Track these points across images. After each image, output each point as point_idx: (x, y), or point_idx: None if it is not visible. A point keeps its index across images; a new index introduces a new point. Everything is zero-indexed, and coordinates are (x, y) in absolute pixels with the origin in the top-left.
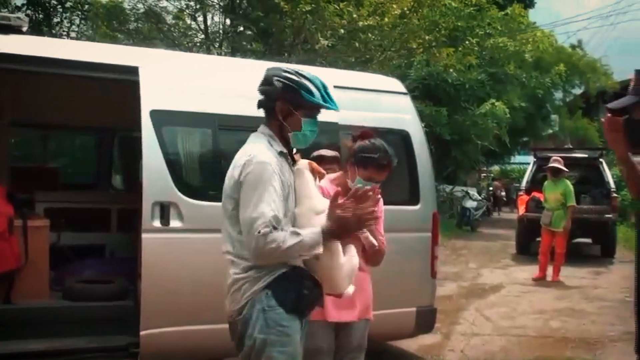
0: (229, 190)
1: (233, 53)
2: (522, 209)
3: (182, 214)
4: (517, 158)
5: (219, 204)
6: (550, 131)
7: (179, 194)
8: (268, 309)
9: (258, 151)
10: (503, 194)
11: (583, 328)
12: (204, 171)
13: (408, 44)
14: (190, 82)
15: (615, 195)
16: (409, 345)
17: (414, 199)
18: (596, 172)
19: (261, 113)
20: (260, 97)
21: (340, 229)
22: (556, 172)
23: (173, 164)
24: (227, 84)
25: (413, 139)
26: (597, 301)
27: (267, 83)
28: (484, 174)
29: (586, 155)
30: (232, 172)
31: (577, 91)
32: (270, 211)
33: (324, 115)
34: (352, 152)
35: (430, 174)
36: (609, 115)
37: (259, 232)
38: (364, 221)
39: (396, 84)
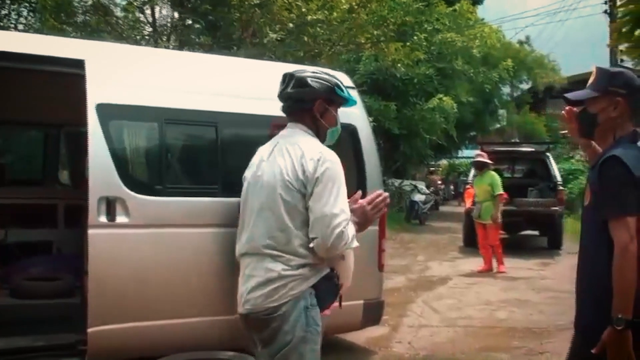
0: (293, 181)
1: (181, 46)
2: (468, 202)
3: (128, 210)
4: (465, 152)
5: (167, 199)
6: (498, 126)
7: (125, 189)
8: (310, 307)
9: (324, 148)
10: (442, 187)
11: (530, 318)
12: (150, 166)
13: (356, 39)
14: (137, 75)
15: (562, 188)
16: (357, 337)
17: (361, 192)
18: (543, 166)
19: (208, 107)
20: (291, 98)
21: (364, 226)
22: (480, 166)
23: (119, 158)
24: (175, 77)
25: (360, 133)
26: (544, 292)
27: (302, 85)
28: (432, 168)
29: (533, 150)
30: (300, 165)
31: (525, 86)
32: (347, 209)
33: (272, 110)
34: None
35: (377, 168)
36: (567, 107)
37: (339, 229)
38: (376, 218)
39: (344, 78)
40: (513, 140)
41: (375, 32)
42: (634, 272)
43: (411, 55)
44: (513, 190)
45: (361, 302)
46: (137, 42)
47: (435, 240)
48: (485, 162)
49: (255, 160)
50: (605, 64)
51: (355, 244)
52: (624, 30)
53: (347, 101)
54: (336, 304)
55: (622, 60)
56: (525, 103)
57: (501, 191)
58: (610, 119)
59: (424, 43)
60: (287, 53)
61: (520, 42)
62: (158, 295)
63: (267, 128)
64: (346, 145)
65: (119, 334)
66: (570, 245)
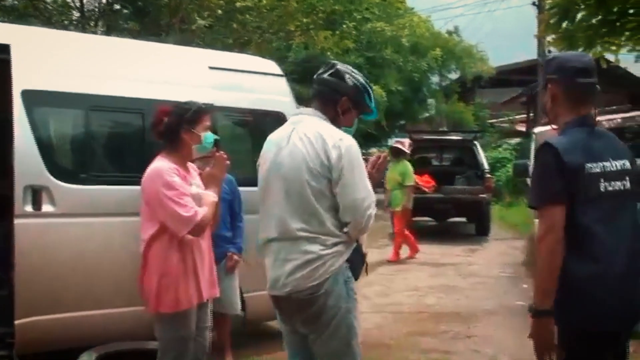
0: (318, 167)
1: (109, 32)
2: None
3: (54, 199)
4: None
5: (93, 187)
6: (427, 114)
7: (51, 177)
8: (348, 280)
9: (343, 134)
10: None
11: (457, 303)
12: (77, 154)
13: (286, 27)
14: (64, 61)
15: (489, 176)
16: None
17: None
18: (470, 154)
19: (135, 94)
20: (325, 84)
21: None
22: (396, 153)
23: (45, 146)
24: (102, 64)
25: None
26: (472, 277)
27: (338, 77)
28: (364, 157)
29: (461, 138)
30: (323, 151)
31: (453, 76)
32: (370, 187)
33: (199, 97)
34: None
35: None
36: None
37: (369, 212)
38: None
39: (272, 66)
40: (441, 129)
41: (304, 20)
42: (548, 263)
43: (340, 43)
44: (441, 178)
45: None
46: (65, 27)
47: None
48: (402, 150)
49: (269, 147)
50: (534, 55)
51: None
52: (551, 21)
53: (370, 112)
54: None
55: (549, 51)
56: (454, 92)
57: (411, 182)
58: (550, 107)
59: (354, 32)
60: (216, 40)
61: (449, 32)
62: (86, 285)
63: None
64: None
65: (47, 326)
66: (498, 231)
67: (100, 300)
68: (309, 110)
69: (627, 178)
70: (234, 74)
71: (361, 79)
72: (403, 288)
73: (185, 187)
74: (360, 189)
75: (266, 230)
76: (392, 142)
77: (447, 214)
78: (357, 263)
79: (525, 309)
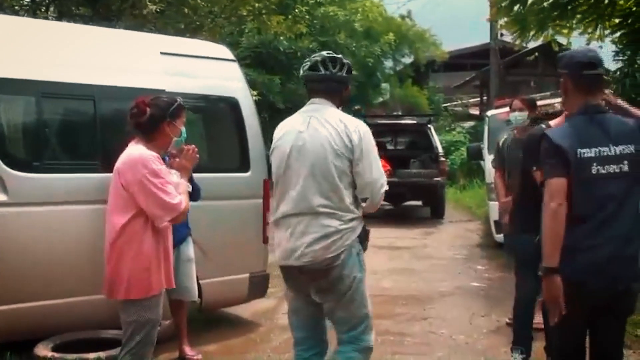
0: (342, 149)
1: (59, 17)
2: None
3: (6, 187)
4: None
5: (45, 175)
6: (382, 99)
7: (3, 166)
8: (360, 252)
9: (358, 121)
10: None
11: (413, 286)
12: (28, 142)
13: (238, 11)
14: (14, 47)
15: (443, 159)
16: (243, 311)
17: (244, 166)
18: (425, 138)
19: (85, 80)
20: (338, 81)
21: None
22: None
23: None
24: (53, 50)
25: (242, 106)
26: (427, 260)
27: (349, 71)
28: None
29: (415, 122)
30: (345, 134)
31: (407, 60)
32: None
33: (151, 83)
34: None
35: (260, 142)
36: None
37: (383, 189)
38: None
39: (224, 51)
40: (396, 113)
41: (257, 5)
42: (552, 226)
43: (293, 28)
44: (396, 162)
45: (247, 275)
46: (15, 13)
47: None
48: None
49: (287, 130)
50: (486, 38)
51: None
52: (503, 4)
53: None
54: None
55: (501, 35)
56: (408, 77)
57: None
58: (564, 98)
59: (306, 16)
60: (168, 25)
61: (402, 17)
62: (41, 275)
63: None
64: (228, 118)
65: (2, 317)
66: (452, 213)
67: (56, 290)
68: (320, 100)
69: (626, 162)
70: (186, 59)
71: (349, 62)
72: None
73: (168, 176)
74: (376, 169)
75: (284, 206)
76: None
77: (402, 198)
78: (364, 238)
79: (479, 290)
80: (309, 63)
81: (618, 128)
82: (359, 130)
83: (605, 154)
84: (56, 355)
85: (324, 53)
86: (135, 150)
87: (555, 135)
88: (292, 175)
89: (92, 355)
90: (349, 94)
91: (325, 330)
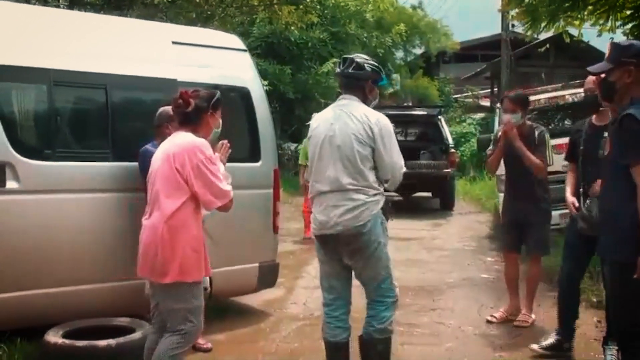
0: (365, 139)
1: (71, 6)
2: None
3: (18, 175)
4: None
5: (57, 163)
6: (392, 90)
7: (15, 153)
8: (383, 222)
9: (379, 114)
10: None
11: (422, 277)
12: (40, 130)
13: (250, 1)
14: (26, 35)
15: (453, 151)
16: (253, 300)
17: (254, 156)
18: (435, 129)
19: (97, 69)
20: (352, 77)
21: None
22: None
23: (8, 122)
24: (65, 38)
25: (253, 96)
26: (436, 251)
27: (359, 68)
28: None
29: (425, 113)
30: (368, 126)
31: (418, 51)
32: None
33: (162, 72)
34: None
35: (271, 132)
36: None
37: (403, 169)
38: None
39: (235, 41)
40: (406, 104)
41: None
42: None
43: (304, 18)
44: (406, 153)
45: (256, 264)
46: (26, 1)
47: None
48: None
49: (320, 123)
50: (498, 29)
51: None
52: None
53: (382, 81)
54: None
55: (513, 25)
56: (418, 67)
57: None
58: (626, 85)
59: (318, 6)
60: (179, 14)
61: (414, 7)
62: (51, 262)
63: (157, 90)
64: (239, 107)
65: (11, 303)
66: (462, 205)
67: (66, 277)
68: (347, 96)
69: None
70: (198, 49)
71: (374, 63)
72: None
73: (219, 164)
74: (396, 153)
75: (320, 185)
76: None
77: (412, 189)
78: (385, 209)
79: (488, 282)
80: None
81: None
82: (379, 122)
83: None
84: (66, 341)
85: (350, 55)
86: (189, 137)
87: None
88: (325, 160)
89: (102, 342)
90: (373, 92)
91: (351, 293)
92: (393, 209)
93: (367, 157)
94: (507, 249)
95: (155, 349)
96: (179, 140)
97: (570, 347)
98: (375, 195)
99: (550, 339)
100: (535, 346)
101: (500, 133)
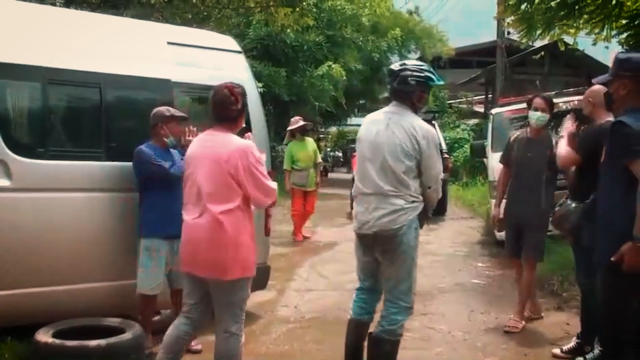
0: (411, 151)
1: (67, 4)
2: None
3: (11, 173)
4: (354, 120)
5: (50, 162)
6: (386, 94)
7: (8, 151)
8: (417, 228)
9: (426, 125)
10: (332, 154)
11: None
12: (33, 128)
13: (246, 3)
14: (21, 33)
15: (447, 156)
16: None
17: None
18: None
19: (92, 67)
20: (398, 91)
21: None
22: (304, 130)
23: (1, 120)
24: (60, 36)
25: (247, 98)
26: (429, 256)
27: (404, 83)
28: (322, 135)
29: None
30: (415, 139)
31: (413, 56)
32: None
33: (157, 72)
34: None
35: (264, 134)
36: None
37: (441, 178)
38: None
39: (231, 42)
40: None
41: None
42: None
43: (300, 21)
44: None
45: None
46: None
47: (323, 206)
48: (311, 127)
49: (368, 128)
50: (493, 36)
51: None
52: (510, 2)
53: (438, 85)
54: None
55: (509, 33)
56: None
57: (320, 160)
58: (621, 96)
59: (314, 9)
60: (175, 15)
61: (410, 12)
62: (42, 261)
63: (151, 90)
64: None
65: (2, 302)
66: (455, 211)
67: (56, 276)
68: (397, 103)
69: None
70: (193, 49)
71: (421, 73)
72: None
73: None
74: (438, 165)
75: (363, 186)
76: (293, 120)
77: None
78: (422, 218)
79: (479, 287)
80: None
81: None
82: (427, 136)
83: None
84: (56, 341)
85: (396, 64)
86: (235, 139)
87: (634, 124)
88: (370, 163)
89: (93, 342)
90: (422, 100)
91: (382, 288)
92: (429, 217)
93: (411, 168)
94: (515, 256)
95: (184, 339)
96: (226, 142)
97: (592, 350)
98: (413, 202)
99: (572, 343)
100: (557, 351)
101: (517, 136)
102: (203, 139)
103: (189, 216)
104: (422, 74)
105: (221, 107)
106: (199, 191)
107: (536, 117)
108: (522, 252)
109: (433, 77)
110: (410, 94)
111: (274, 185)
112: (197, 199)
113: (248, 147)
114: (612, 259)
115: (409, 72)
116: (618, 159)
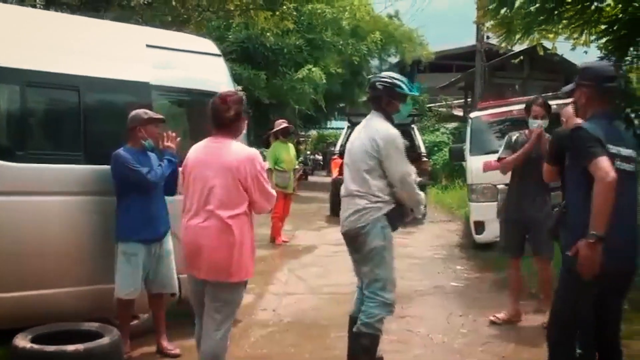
0: (371, 151)
1: (47, 6)
2: (335, 172)
3: None
4: (334, 123)
5: (28, 165)
6: (366, 98)
7: None
8: (384, 227)
9: (389, 127)
10: (312, 157)
11: None
12: (11, 131)
13: (226, 6)
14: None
15: (426, 159)
16: None
17: None
18: (408, 137)
19: (72, 71)
20: (371, 96)
21: None
22: (287, 133)
23: None
24: (39, 39)
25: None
26: (407, 259)
27: (372, 87)
28: (303, 138)
29: (398, 121)
30: (374, 141)
31: (393, 60)
32: (409, 166)
33: (135, 75)
34: None
35: (242, 137)
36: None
37: (407, 179)
38: None
39: (210, 45)
40: None
41: (244, 0)
42: (608, 198)
43: (280, 24)
44: None
45: None
46: (3, 0)
47: (302, 209)
48: (293, 130)
49: (352, 136)
50: (473, 40)
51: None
52: (490, 7)
53: (406, 95)
54: None
55: (488, 37)
56: None
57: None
58: (582, 104)
59: (294, 13)
60: (155, 17)
61: (390, 16)
62: (18, 265)
63: (130, 93)
64: None
65: None
66: (433, 214)
67: (33, 281)
68: (373, 112)
69: (632, 163)
70: (171, 52)
71: (389, 80)
72: (341, 269)
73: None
74: (399, 164)
75: (343, 190)
76: (277, 123)
77: None
78: (394, 218)
79: (457, 290)
80: None
81: (626, 134)
82: (386, 138)
83: (622, 153)
84: (35, 346)
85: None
86: (244, 148)
87: (590, 129)
88: (347, 167)
89: (71, 347)
90: (390, 106)
91: None
92: (404, 221)
93: (373, 167)
94: (514, 255)
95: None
96: (233, 150)
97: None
98: (377, 202)
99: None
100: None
101: (517, 137)
102: (205, 145)
103: (193, 221)
104: (389, 80)
105: (214, 115)
106: (206, 196)
107: (537, 124)
108: (534, 251)
109: (402, 85)
110: (379, 99)
111: (273, 191)
112: (204, 204)
113: (255, 155)
114: (567, 253)
115: (378, 78)
116: (578, 160)
